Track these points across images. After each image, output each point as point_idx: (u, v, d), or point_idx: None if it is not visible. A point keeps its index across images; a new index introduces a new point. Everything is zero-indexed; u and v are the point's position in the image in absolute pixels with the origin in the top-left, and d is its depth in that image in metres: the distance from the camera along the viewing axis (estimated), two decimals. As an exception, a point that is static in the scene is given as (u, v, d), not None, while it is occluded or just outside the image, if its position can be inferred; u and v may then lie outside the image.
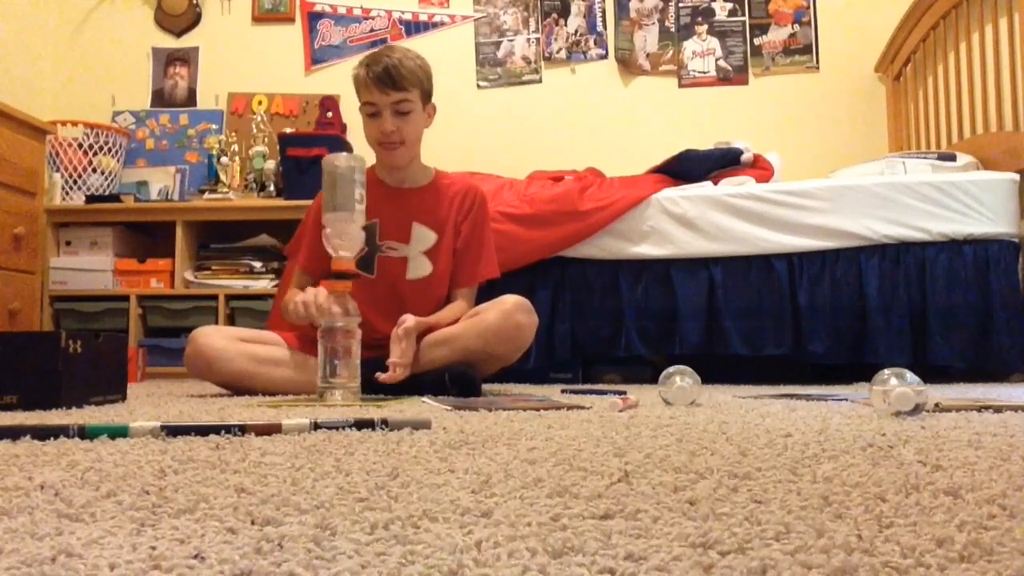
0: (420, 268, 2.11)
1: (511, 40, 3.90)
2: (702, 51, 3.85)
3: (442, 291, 2.15)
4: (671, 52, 3.86)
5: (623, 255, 2.76)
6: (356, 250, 1.74)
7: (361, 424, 1.04)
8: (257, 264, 3.39)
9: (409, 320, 1.92)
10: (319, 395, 1.63)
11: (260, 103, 3.89)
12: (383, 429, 1.03)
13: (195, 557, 0.42)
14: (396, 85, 1.99)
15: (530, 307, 2.03)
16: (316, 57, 3.94)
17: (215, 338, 1.98)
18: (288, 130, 3.67)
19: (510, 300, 2.01)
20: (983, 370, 2.62)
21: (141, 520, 0.51)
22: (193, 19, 3.98)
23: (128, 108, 3.92)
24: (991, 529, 0.47)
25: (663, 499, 0.57)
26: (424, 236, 2.12)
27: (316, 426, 1.03)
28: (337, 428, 1.04)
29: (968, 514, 0.51)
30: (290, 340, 2.07)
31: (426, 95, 2.08)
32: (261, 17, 3.97)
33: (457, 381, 1.84)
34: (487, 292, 2.23)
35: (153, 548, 0.43)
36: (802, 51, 3.80)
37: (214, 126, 3.88)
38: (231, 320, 3.34)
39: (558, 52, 3.89)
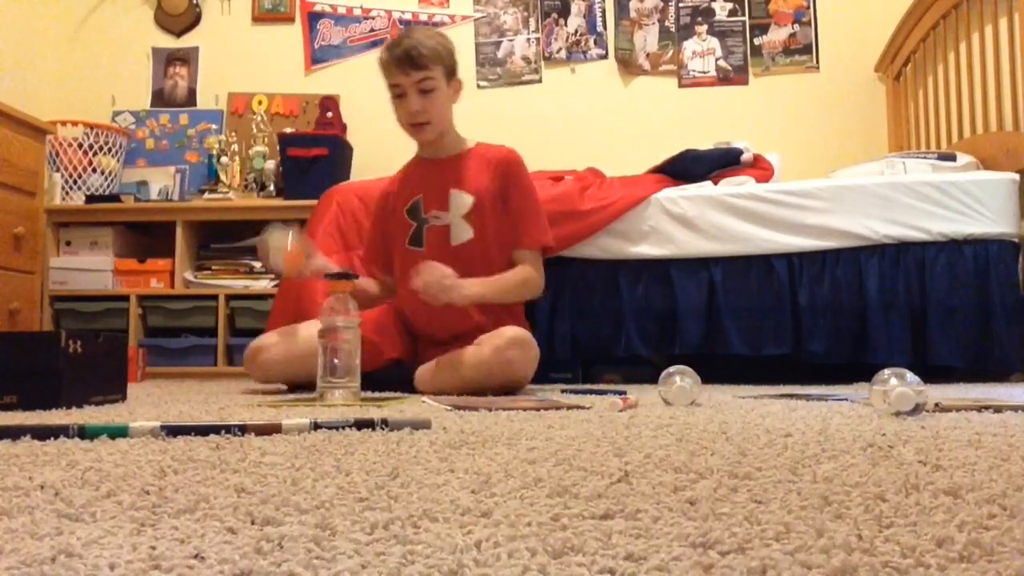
0: (463, 233, 2.18)
1: (511, 40, 3.90)
2: (702, 51, 3.85)
3: (492, 257, 2.18)
4: (671, 52, 3.86)
5: (623, 255, 2.76)
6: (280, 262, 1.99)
7: (361, 424, 1.04)
8: (257, 264, 3.39)
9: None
10: (319, 395, 1.63)
11: (260, 103, 3.89)
12: (383, 429, 1.03)
13: (195, 557, 0.42)
14: (416, 64, 2.07)
15: (526, 340, 2.03)
16: (316, 57, 3.94)
17: (272, 351, 2.11)
18: (288, 130, 3.67)
19: (506, 334, 2.01)
20: (983, 370, 2.62)
21: (141, 520, 0.51)
22: (193, 19, 3.98)
23: (128, 108, 3.92)
24: (991, 529, 0.47)
25: (663, 499, 0.57)
26: (461, 201, 2.19)
27: (316, 426, 1.03)
28: (337, 428, 1.04)
29: (968, 514, 0.51)
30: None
31: (449, 71, 2.15)
32: (261, 17, 3.97)
33: None
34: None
35: (153, 548, 0.43)
36: (802, 51, 3.80)
37: (214, 126, 3.87)
38: (231, 320, 3.34)
39: (558, 52, 3.89)
